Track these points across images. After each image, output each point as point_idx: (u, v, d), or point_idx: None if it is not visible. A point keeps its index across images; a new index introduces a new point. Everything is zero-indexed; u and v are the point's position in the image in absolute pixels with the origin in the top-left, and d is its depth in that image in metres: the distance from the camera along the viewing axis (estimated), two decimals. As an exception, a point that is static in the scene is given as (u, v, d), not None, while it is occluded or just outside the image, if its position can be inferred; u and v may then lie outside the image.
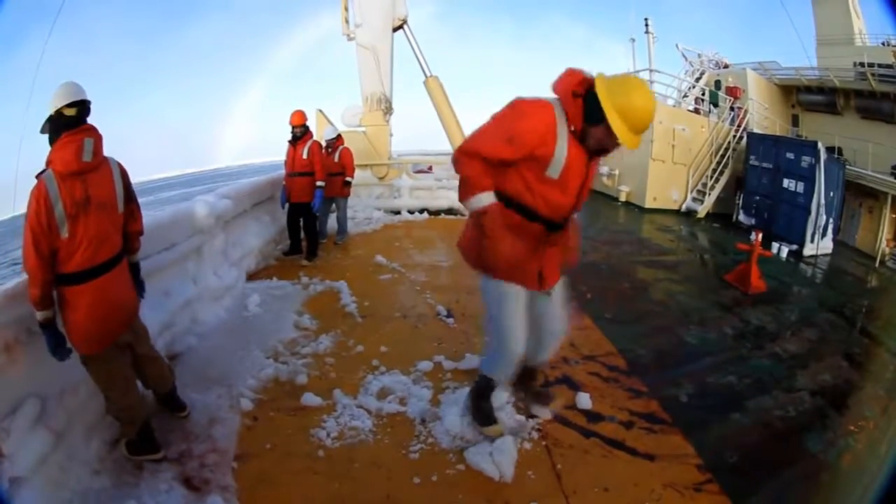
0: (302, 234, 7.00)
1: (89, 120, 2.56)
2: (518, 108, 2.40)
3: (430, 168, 12.84)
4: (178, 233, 4.35)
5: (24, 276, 2.55)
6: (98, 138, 2.53)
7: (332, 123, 8.80)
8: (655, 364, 4.38)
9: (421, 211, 10.33)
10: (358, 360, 4.08)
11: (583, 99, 2.36)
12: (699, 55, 19.74)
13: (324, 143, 7.36)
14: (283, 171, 6.97)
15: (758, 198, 13.22)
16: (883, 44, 16.12)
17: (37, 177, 2.41)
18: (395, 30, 10.76)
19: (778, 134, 15.64)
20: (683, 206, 14.33)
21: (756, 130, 15.21)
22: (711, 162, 14.58)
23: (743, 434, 3.55)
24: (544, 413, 3.37)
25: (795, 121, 18.01)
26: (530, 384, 3.40)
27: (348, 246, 7.86)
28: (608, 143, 2.37)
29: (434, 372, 3.89)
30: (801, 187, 11.94)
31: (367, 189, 10.56)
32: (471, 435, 3.10)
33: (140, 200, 2.96)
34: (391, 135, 11.22)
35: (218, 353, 3.99)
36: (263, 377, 3.73)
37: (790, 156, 12.36)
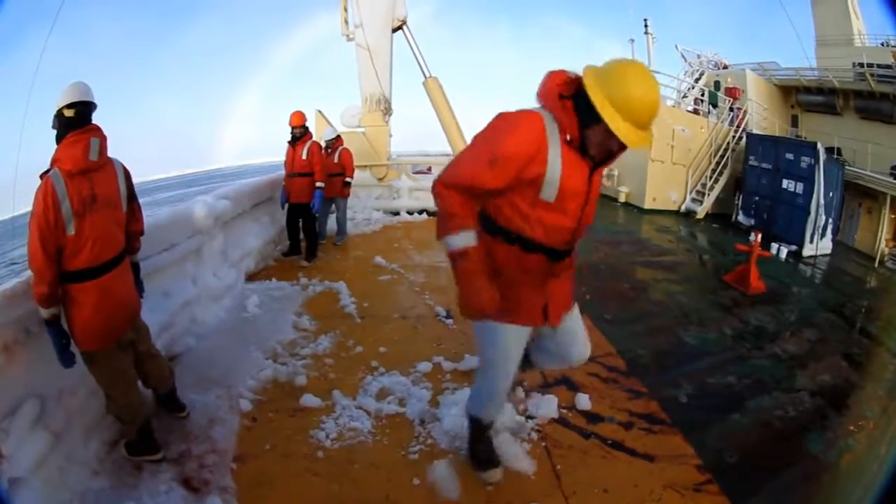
0: (301, 235, 7.00)
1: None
2: (500, 123, 2.05)
3: (430, 169, 12.83)
4: (177, 233, 4.35)
5: (24, 277, 2.57)
6: (103, 138, 2.58)
7: (331, 124, 8.81)
8: (655, 365, 4.38)
9: (420, 212, 10.32)
10: (357, 360, 4.08)
11: (573, 99, 2.00)
12: (698, 56, 19.75)
13: (323, 144, 7.36)
14: (282, 172, 6.97)
15: (757, 198, 13.22)
16: (882, 44, 16.15)
17: (42, 176, 2.43)
18: (394, 30, 10.76)
19: (777, 134, 15.65)
20: (683, 207, 14.32)
21: (755, 131, 15.21)
22: (711, 162, 14.57)
23: (743, 434, 3.55)
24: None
25: (795, 121, 18.02)
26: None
27: (347, 247, 7.86)
28: (611, 146, 2.01)
29: (433, 373, 3.89)
30: (800, 188, 11.94)
31: (367, 190, 10.55)
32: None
33: (139, 201, 2.97)
34: (390, 136, 11.22)
35: (217, 353, 3.99)
36: (262, 378, 3.73)
37: (789, 156, 12.37)
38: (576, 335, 2.64)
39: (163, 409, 3.18)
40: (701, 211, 13.88)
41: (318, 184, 6.64)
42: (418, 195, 10.53)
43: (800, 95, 17.80)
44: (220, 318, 4.65)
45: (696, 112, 15.79)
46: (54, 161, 2.46)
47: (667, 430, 3.38)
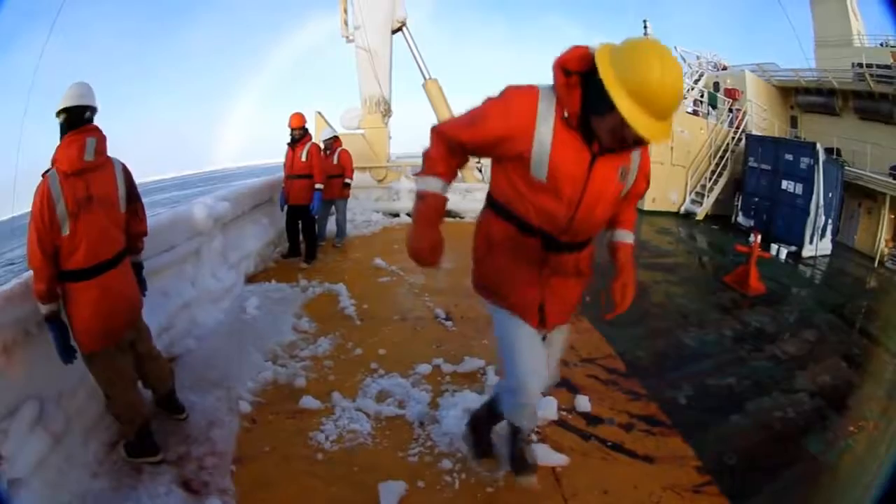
0: (301, 237, 6.99)
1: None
2: (499, 96, 1.98)
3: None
4: (176, 235, 4.35)
5: (23, 278, 2.58)
6: (101, 138, 2.59)
7: (330, 126, 8.83)
8: (654, 366, 4.38)
9: (420, 213, 10.26)
10: (356, 362, 4.07)
11: (582, 78, 1.82)
12: (697, 57, 19.75)
13: (322, 145, 7.35)
14: (281, 174, 6.97)
15: (756, 199, 13.25)
16: (881, 44, 16.16)
17: (43, 175, 2.46)
18: (394, 32, 10.79)
19: (776, 135, 15.67)
20: (682, 208, 14.35)
21: (755, 132, 15.25)
22: (710, 164, 14.61)
23: (742, 436, 3.55)
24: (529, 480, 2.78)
25: (794, 122, 18.03)
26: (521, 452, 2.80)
27: (347, 248, 7.85)
28: (625, 135, 1.75)
29: (433, 375, 3.88)
30: (799, 189, 11.98)
31: (366, 192, 10.55)
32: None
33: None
34: (390, 137, 11.24)
35: (217, 355, 3.98)
36: (262, 380, 3.72)
37: (789, 157, 12.40)
38: (553, 356, 2.48)
39: (162, 411, 3.17)
40: (700, 212, 13.90)
41: (318, 186, 6.64)
42: (417, 197, 10.49)
43: (799, 96, 17.81)
44: (219, 319, 4.64)
45: (695, 113, 15.83)
46: (53, 161, 2.49)
47: (666, 432, 3.37)
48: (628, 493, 2.79)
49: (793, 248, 11.16)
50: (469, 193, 10.10)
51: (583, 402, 3.56)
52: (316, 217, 6.95)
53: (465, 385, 3.68)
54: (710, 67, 19.45)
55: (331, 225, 8.01)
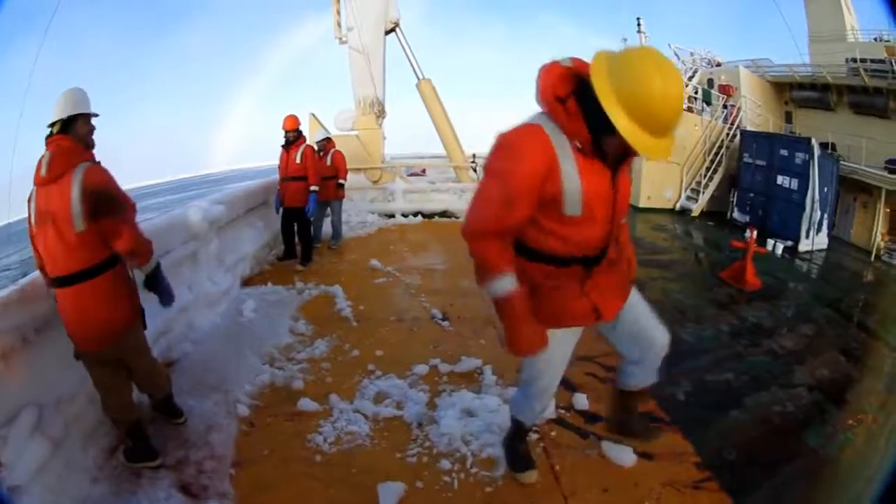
0: (296, 239, 6.99)
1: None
2: (504, 152, 1.86)
3: (424, 171, 12.84)
4: (172, 239, 4.33)
5: (20, 284, 2.65)
6: (55, 152, 2.45)
7: (324, 127, 8.84)
8: (652, 363, 4.37)
9: (415, 214, 10.33)
10: (354, 364, 4.07)
11: (575, 97, 1.77)
12: (691, 54, 19.78)
13: (316, 147, 7.33)
14: (276, 176, 6.96)
15: (752, 195, 13.28)
16: (875, 39, 16.20)
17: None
18: (387, 33, 10.78)
19: (771, 131, 15.71)
20: (678, 205, 14.38)
21: (749, 128, 15.28)
22: (705, 160, 14.64)
23: (741, 431, 3.55)
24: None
25: (789, 117, 18.06)
26: (628, 415, 2.85)
27: (343, 250, 7.85)
28: (627, 147, 1.73)
29: (430, 375, 3.88)
30: (795, 184, 12.01)
31: (361, 193, 10.55)
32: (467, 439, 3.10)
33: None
34: (384, 138, 11.23)
35: (214, 359, 3.97)
36: (259, 383, 3.72)
37: (784, 152, 12.43)
38: (648, 319, 2.44)
39: (160, 416, 3.16)
40: (696, 208, 13.94)
41: (313, 188, 6.64)
42: (413, 198, 10.54)
43: (793, 91, 17.83)
44: (216, 323, 4.63)
45: (689, 110, 15.84)
46: None
47: (665, 428, 3.36)
48: (628, 490, 2.79)
49: (789, 243, 11.18)
50: (465, 194, 10.12)
51: (581, 400, 3.56)
52: (311, 219, 6.94)
53: (462, 385, 3.68)
54: (703, 64, 19.47)
55: (326, 226, 8.02)
